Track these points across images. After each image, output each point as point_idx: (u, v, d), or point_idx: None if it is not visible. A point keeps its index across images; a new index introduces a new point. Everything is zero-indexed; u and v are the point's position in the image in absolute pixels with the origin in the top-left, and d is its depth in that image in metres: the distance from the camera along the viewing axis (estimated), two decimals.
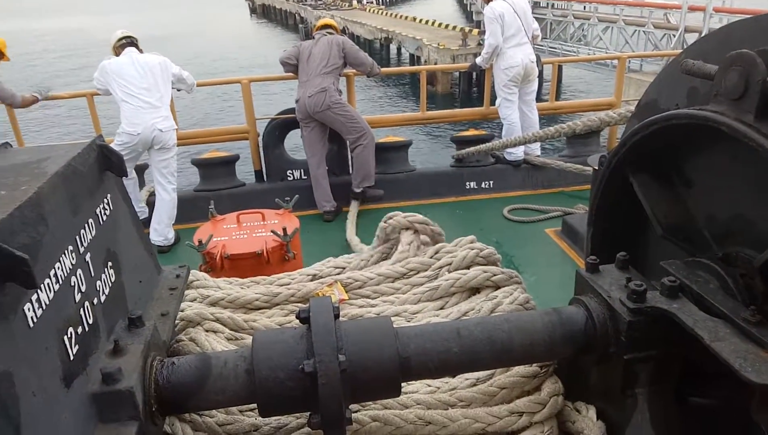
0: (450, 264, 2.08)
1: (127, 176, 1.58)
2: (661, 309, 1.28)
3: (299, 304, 2.04)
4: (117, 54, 4.88)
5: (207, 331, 1.88)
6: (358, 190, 5.45)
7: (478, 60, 6.07)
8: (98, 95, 5.22)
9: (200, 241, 3.28)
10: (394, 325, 1.40)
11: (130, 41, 4.91)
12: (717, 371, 1.22)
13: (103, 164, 1.41)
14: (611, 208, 1.82)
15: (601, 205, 1.84)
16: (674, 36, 19.43)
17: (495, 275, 1.96)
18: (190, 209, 5.22)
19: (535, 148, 5.92)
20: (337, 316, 1.34)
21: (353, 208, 5.42)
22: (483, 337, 1.38)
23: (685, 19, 19.22)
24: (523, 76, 5.73)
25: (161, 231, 4.92)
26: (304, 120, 5.33)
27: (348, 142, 5.43)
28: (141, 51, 4.95)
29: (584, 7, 25.25)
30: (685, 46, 18.63)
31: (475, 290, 2.01)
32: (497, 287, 1.97)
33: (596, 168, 4.14)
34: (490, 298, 1.89)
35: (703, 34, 18.11)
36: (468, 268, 2.05)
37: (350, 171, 5.53)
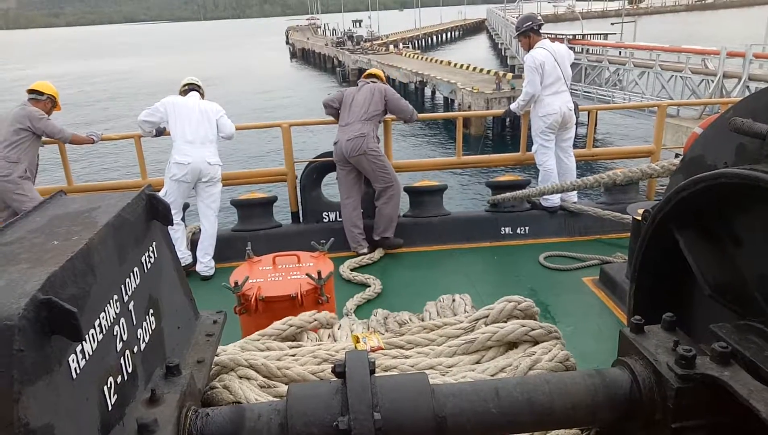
0: (487, 316, 2.04)
1: (173, 225, 1.62)
2: (712, 377, 1.22)
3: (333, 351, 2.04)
4: (182, 94, 5.39)
5: (240, 377, 1.88)
6: (377, 238, 5.53)
7: (513, 106, 6.07)
8: (143, 137, 5.47)
9: (236, 283, 3.31)
10: (429, 379, 1.37)
11: (195, 87, 5.41)
12: None
13: (151, 213, 1.45)
14: (655, 264, 1.77)
15: (645, 261, 1.79)
16: (712, 81, 19.22)
17: (533, 330, 1.91)
18: (227, 248, 5.32)
19: (573, 195, 5.84)
20: (372, 371, 1.32)
21: (378, 252, 5.51)
22: (523, 398, 1.34)
23: (724, 64, 19.02)
24: (561, 123, 5.70)
25: (207, 262, 5.23)
26: (341, 162, 5.45)
27: (376, 189, 5.51)
28: (203, 96, 5.43)
29: (620, 52, 25.32)
30: (724, 92, 18.44)
31: (512, 344, 1.96)
32: (535, 342, 1.92)
33: (637, 218, 4.08)
34: (528, 354, 1.84)
35: (743, 81, 17.89)
36: (506, 321, 2.01)
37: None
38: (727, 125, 1.45)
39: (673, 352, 1.33)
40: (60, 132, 5.44)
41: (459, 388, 1.38)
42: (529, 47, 5.84)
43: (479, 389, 1.37)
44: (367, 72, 5.98)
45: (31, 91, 5.50)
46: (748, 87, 18.11)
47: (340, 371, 1.32)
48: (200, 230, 5.29)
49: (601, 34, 37.80)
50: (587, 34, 34.17)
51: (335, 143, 5.46)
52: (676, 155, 9.88)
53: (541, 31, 5.92)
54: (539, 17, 6.09)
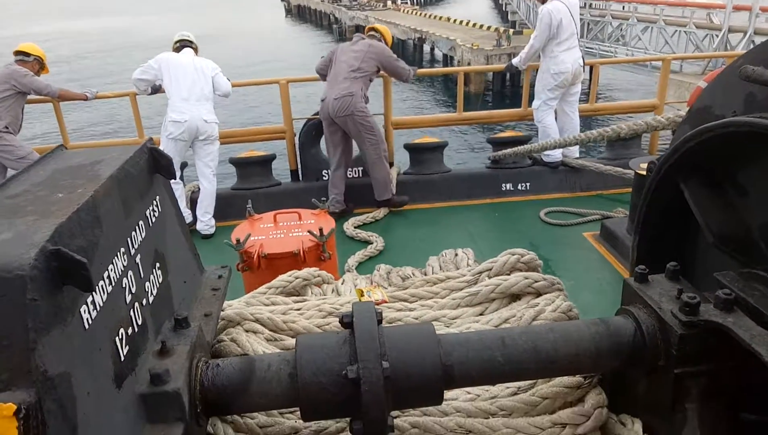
0: (490, 269, 2.05)
1: (175, 178, 1.61)
2: (716, 323, 1.23)
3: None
4: (176, 51, 5.27)
5: (247, 331, 1.91)
6: (380, 199, 5.44)
7: (515, 61, 5.90)
8: (139, 95, 5.41)
9: (238, 240, 3.32)
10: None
11: (187, 43, 5.29)
12: None
13: (154, 167, 1.44)
14: (659, 215, 1.77)
15: (649, 213, 1.79)
16: (717, 36, 18.81)
17: (536, 282, 1.92)
18: (227, 207, 5.32)
19: (574, 151, 5.79)
20: (380, 322, 1.34)
21: (381, 211, 5.47)
22: (528, 346, 1.36)
23: (729, 18, 18.60)
24: (570, 81, 5.57)
25: (207, 221, 5.23)
26: (327, 121, 5.29)
27: (361, 150, 5.39)
28: (197, 53, 5.32)
29: (623, 6, 24.70)
30: (728, 47, 18.10)
31: (515, 297, 1.98)
32: (539, 294, 1.94)
33: (640, 172, 4.07)
34: (532, 305, 1.86)
35: (748, 35, 17.51)
36: (509, 273, 2.02)
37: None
38: (737, 74, 1.43)
39: (677, 300, 1.34)
40: (47, 87, 5.41)
41: (465, 337, 1.40)
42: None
43: (485, 338, 1.39)
44: (370, 26, 5.71)
45: (17, 53, 5.48)
46: (753, 42, 17.73)
47: (347, 321, 1.33)
48: (199, 189, 5.27)
49: None
50: None
51: (322, 100, 5.26)
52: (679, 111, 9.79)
53: None
54: None
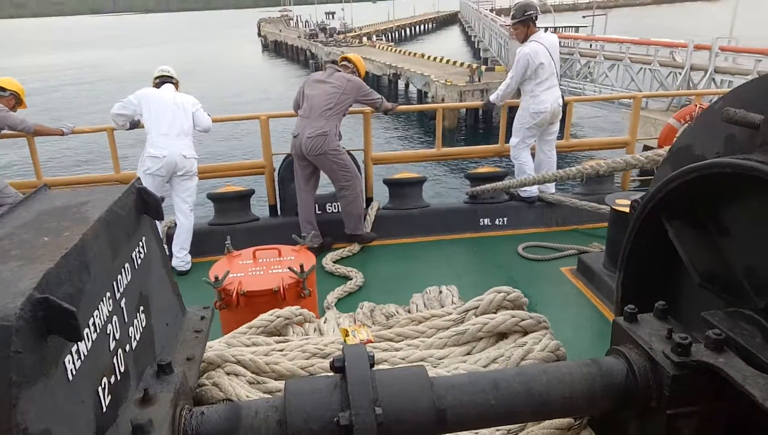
0: (476, 307, 2.04)
1: (162, 219, 1.58)
2: (708, 363, 1.24)
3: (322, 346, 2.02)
4: (156, 86, 5.23)
5: (228, 374, 1.85)
6: (348, 233, 5.39)
7: (492, 97, 5.85)
8: (117, 130, 5.34)
9: (216, 278, 3.25)
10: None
11: (168, 78, 5.26)
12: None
13: (141, 207, 1.41)
14: (644, 254, 1.79)
15: (633, 251, 1.81)
16: (680, 74, 19.61)
17: (523, 320, 1.92)
18: (204, 242, 5.24)
19: (551, 186, 5.87)
20: (372, 365, 1.31)
21: (355, 245, 5.43)
22: (521, 389, 1.34)
23: (691, 57, 19.42)
24: (549, 120, 5.57)
25: (183, 257, 5.13)
26: (299, 157, 5.21)
27: (335, 187, 5.35)
28: (177, 88, 5.29)
29: (590, 45, 25.63)
30: (691, 84, 18.79)
31: (502, 335, 1.97)
32: (525, 333, 1.93)
33: (615, 208, 4.14)
34: (520, 345, 1.85)
35: (709, 73, 18.27)
36: (495, 311, 2.02)
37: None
38: (719, 115, 1.47)
39: (668, 340, 1.34)
40: (22, 123, 5.24)
41: (458, 380, 1.38)
42: (525, 38, 5.52)
43: (478, 381, 1.37)
44: (344, 55, 5.61)
45: None
46: (714, 79, 18.54)
47: (339, 366, 1.30)
48: (176, 224, 5.18)
49: (572, 27, 38.25)
50: (559, 27, 34.51)
51: (295, 136, 5.16)
52: (645, 147, 10.06)
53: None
54: (537, 5, 5.70)
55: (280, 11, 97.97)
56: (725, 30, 22.19)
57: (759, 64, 17.31)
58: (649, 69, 21.09)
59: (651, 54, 21.55)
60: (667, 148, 2.27)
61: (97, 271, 1.11)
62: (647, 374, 1.34)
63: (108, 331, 1.14)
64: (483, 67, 28.57)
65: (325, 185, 5.59)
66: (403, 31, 74.32)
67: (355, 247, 5.39)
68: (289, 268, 3.37)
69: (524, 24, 5.51)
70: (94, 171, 13.75)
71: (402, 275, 4.90)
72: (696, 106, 7.83)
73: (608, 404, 1.39)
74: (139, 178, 1.49)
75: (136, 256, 1.36)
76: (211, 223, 5.61)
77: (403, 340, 2.06)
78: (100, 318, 1.10)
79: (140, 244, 1.41)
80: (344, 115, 5.27)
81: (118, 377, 1.17)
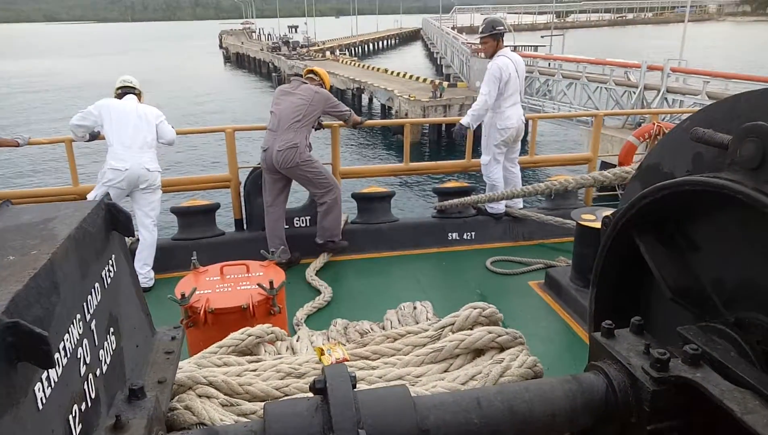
0: (452, 324, 2.04)
1: (133, 235, 1.52)
2: (686, 378, 1.26)
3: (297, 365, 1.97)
4: (118, 97, 5.08)
5: (200, 396, 1.79)
6: (320, 242, 5.33)
7: (464, 121, 5.63)
8: (75, 141, 5.17)
9: (183, 295, 3.16)
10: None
11: (130, 89, 5.12)
12: None
13: (111, 224, 1.35)
14: (616, 269, 1.83)
15: (606, 266, 1.84)
16: (634, 93, 20.36)
17: (500, 336, 1.93)
18: (168, 258, 5.09)
19: (518, 201, 5.94)
20: (354, 386, 1.28)
21: (322, 257, 5.34)
22: (504, 407, 1.34)
23: (645, 77, 20.21)
24: (515, 136, 5.63)
25: (146, 273, 4.97)
26: (268, 170, 5.16)
27: (315, 197, 5.31)
28: (140, 99, 5.16)
29: (549, 64, 26.35)
30: (645, 103, 19.49)
31: (479, 351, 1.97)
32: (502, 349, 1.94)
33: (581, 222, 4.23)
34: (497, 361, 1.85)
35: (661, 93, 19.01)
36: (471, 328, 2.02)
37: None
38: (687, 135, 1.52)
39: (645, 355, 1.36)
40: None
41: (440, 399, 1.36)
42: (493, 52, 5.58)
43: (460, 400, 1.35)
44: (309, 68, 5.58)
45: None
46: (666, 99, 19.32)
47: (320, 387, 1.26)
48: (138, 240, 5.02)
49: (531, 46, 39.33)
50: (518, 46, 35.40)
51: (264, 150, 5.11)
52: (603, 163, 10.36)
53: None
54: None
55: (242, 23, 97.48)
56: (674, 51, 23.22)
57: (707, 85, 18.12)
58: (605, 88, 21.82)
59: (607, 73, 22.31)
60: (634, 165, 2.36)
61: (67, 292, 1.05)
62: (627, 390, 1.36)
63: (78, 356, 1.08)
64: (445, 84, 29.04)
65: (292, 202, 5.53)
66: (366, 46, 74.89)
67: (319, 262, 5.31)
68: (258, 284, 3.30)
69: (494, 38, 5.58)
70: (50, 183, 13.29)
71: (371, 290, 4.87)
72: (654, 124, 8.11)
73: (589, 421, 1.39)
74: (108, 194, 1.43)
75: (106, 274, 1.30)
76: (175, 238, 5.47)
77: (379, 358, 2.04)
78: (70, 342, 1.04)
79: (110, 262, 1.35)
80: (313, 127, 5.25)
81: (89, 404, 1.11)
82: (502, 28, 5.60)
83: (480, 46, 5.78)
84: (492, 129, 5.61)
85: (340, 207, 5.36)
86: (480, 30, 5.72)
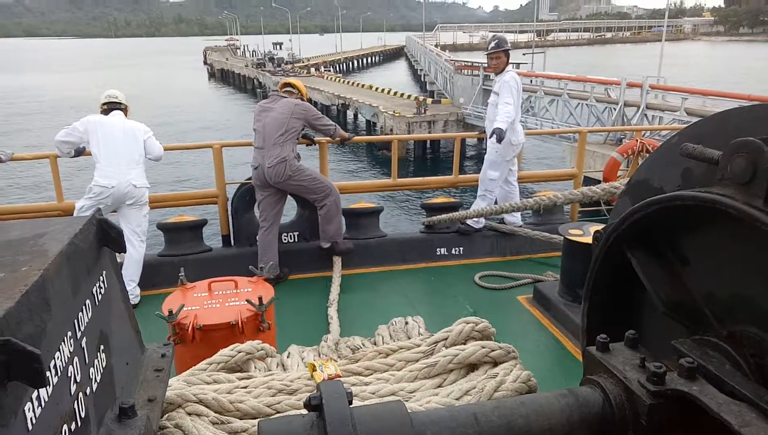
0: (446, 339, 2.03)
1: (125, 251, 1.50)
2: (683, 392, 1.26)
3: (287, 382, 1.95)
4: (104, 112, 5.04)
5: (190, 414, 1.75)
6: (326, 246, 5.32)
7: (502, 125, 5.37)
8: (60, 157, 5.11)
9: (170, 311, 3.11)
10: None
11: (116, 105, 5.08)
12: None
13: (102, 240, 1.33)
14: (608, 283, 1.84)
15: (598, 280, 1.85)
16: (615, 109, 20.74)
17: (493, 351, 1.92)
18: (154, 274, 5.03)
19: (517, 216, 5.92)
20: (350, 403, 1.27)
21: (336, 270, 5.23)
22: (501, 422, 1.33)
23: (624, 94, 20.60)
24: (518, 151, 5.73)
25: (132, 290, 4.91)
26: (262, 187, 5.19)
27: (314, 202, 5.33)
28: (127, 115, 5.13)
29: (531, 80, 26.76)
30: (625, 119, 19.84)
31: (472, 366, 1.96)
32: (495, 363, 1.93)
33: (568, 237, 4.27)
34: (491, 376, 1.84)
35: (641, 109, 19.37)
36: (464, 342, 2.01)
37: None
38: (677, 151, 1.54)
39: (641, 368, 1.36)
40: None
41: (437, 415, 1.35)
42: (503, 68, 5.64)
43: (457, 416, 1.34)
44: (284, 81, 5.60)
45: None
46: (645, 115, 19.70)
47: (316, 404, 1.25)
48: (124, 255, 4.96)
49: (513, 63, 39.79)
50: None
51: (255, 168, 5.15)
52: (585, 178, 10.48)
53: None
54: None
55: (226, 40, 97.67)
56: (652, 69, 23.73)
57: (685, 101, 18.51)
58: (587, 104, 22.20)
59: (588, 90, 22.70)
60: (621, 181, 2.39)
61: (59, 309, 1.03)
62: (623, 404, 1.36)
63: (69, 374, 1.05)
64: (429, 100, 29.33)
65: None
66: (350, 63, 75.44)
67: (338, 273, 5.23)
68: (247, 300, 3.27)
69: (506, 54, 5.66)
70: (32, 199, 13.07)
71: (361, 305, 4.85)
72: (637, 141, 8.24)
73: None
74: (100, 210, 1.41)
75: (96, 291, 1.28)
76: (161, 254, 5.40)
77: (372, 374, 2.02)
78: (61, 360, 1.02)
79: (101, 278, 1.33)
80: (298, 139, 5.27)
81: (79, 423, 1.08)
82: (508, 45, 5.74)
83: (490, 62, 5.73)
84: (506, 144, 5.51)
85: (341, 208, 5.40)
86: (490, 46, 5.72)
